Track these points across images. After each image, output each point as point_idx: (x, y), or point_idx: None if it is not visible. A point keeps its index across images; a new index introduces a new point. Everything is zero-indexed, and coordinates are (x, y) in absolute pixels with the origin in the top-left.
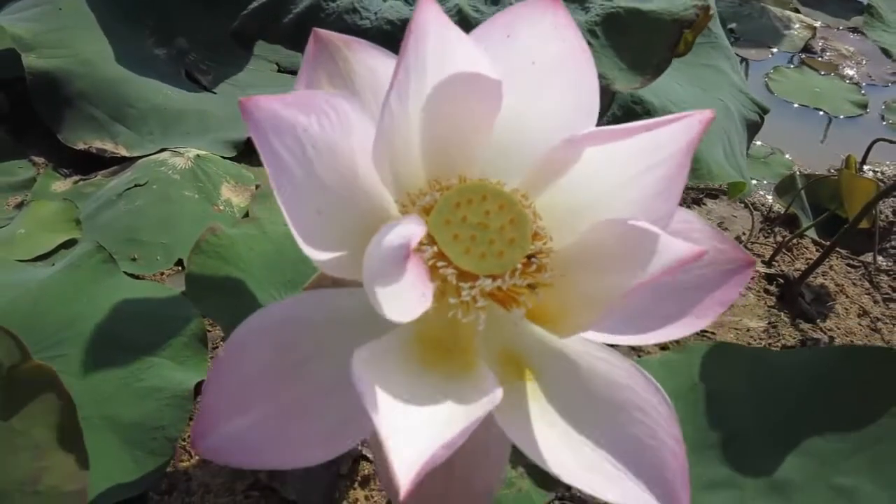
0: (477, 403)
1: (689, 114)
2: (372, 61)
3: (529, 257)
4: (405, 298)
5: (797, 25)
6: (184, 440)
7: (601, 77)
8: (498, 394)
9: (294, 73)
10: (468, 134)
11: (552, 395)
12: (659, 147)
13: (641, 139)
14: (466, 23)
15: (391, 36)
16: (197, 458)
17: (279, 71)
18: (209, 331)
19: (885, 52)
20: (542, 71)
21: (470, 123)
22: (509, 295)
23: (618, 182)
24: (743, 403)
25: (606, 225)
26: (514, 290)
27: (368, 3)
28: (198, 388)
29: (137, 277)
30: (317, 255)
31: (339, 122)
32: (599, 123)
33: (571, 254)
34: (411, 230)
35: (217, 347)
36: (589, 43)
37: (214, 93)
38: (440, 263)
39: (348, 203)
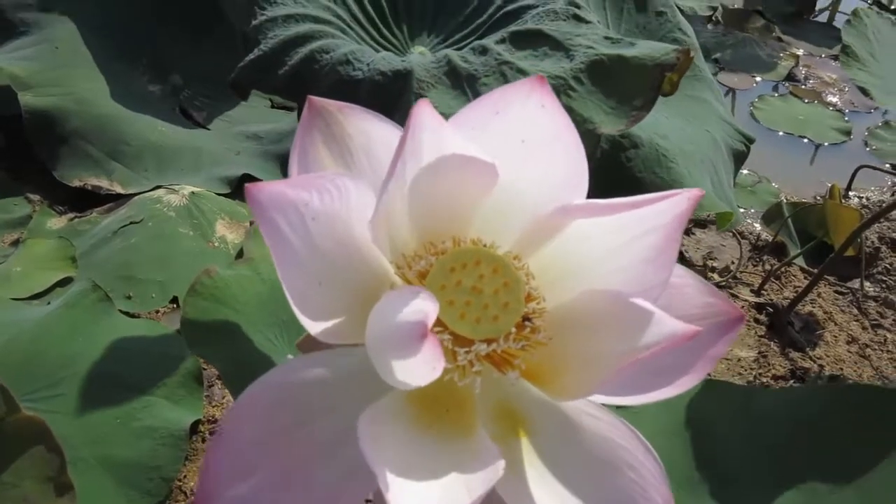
0: (479, 476)
1: (678, 192)
2: (364, 124)
3: (524, 319)
4: (416, 372)
5: (780, 54)
6: (179, 480)
7: (587, 122)
8: (500, 466)
9: (287, 109)
10: (463, 208)
11: (545, 451)
12: (647, 220)
13: (629, 214)
14: (455, 73)
15: (383, 86)
16: (192, 498)
17: (273, 107)
18: (205, 369)
19: (863, 90)
20: (531, 148)
21: (465, 200)
22: (504, 357)
23: (608, 249)
24: (734, 439)
25: (598, 294)
26: (509, 352)
27: (361, 54)
28: (193, 427)
29: (133, 315)
30: (316, 326)
31: (339, 195)
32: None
33: (564, 315)
34: (426, 307)
35: (212, 386)
36: (574, 89)
37: (209, 129)
38: (436, 329)
39: (347, 269)
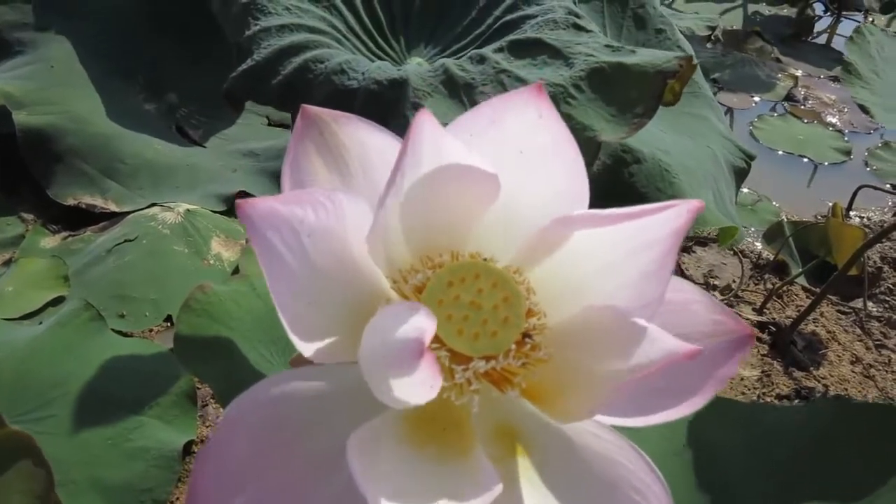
0: (475, 500)
1: (677, 203)
2: (360, 133)
3: (524, 335)
4: (412, 391)
5: (779, 75)
6: (171, 502)
7: (588, 129)
8: (497, 489)
9: (284, 126)
10: (462, 221)
11: (545, 472)
12: (647, 231)
13: (629, 225)
14: (452, 82)
15: (378, 95)
16: None
17: (269, 124)
18: (198, 388)
19: (863, 108)
20: (529, 158)
21: (465, 212)
22: (503, 375)
23: (607, 262)
24: (738, 460)
25: (597, 311)
26: (509, 369)
27: (356, 64)
28: (186, 447)
29: (126, 334)
30: (309, 347)
31: (334, 210)
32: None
33: (564, 332)
34: (424, 323)
35: (206, 405)
36: (574, 97)
37: (205, 147)
38: (433, 345)
39: (342, 285)
